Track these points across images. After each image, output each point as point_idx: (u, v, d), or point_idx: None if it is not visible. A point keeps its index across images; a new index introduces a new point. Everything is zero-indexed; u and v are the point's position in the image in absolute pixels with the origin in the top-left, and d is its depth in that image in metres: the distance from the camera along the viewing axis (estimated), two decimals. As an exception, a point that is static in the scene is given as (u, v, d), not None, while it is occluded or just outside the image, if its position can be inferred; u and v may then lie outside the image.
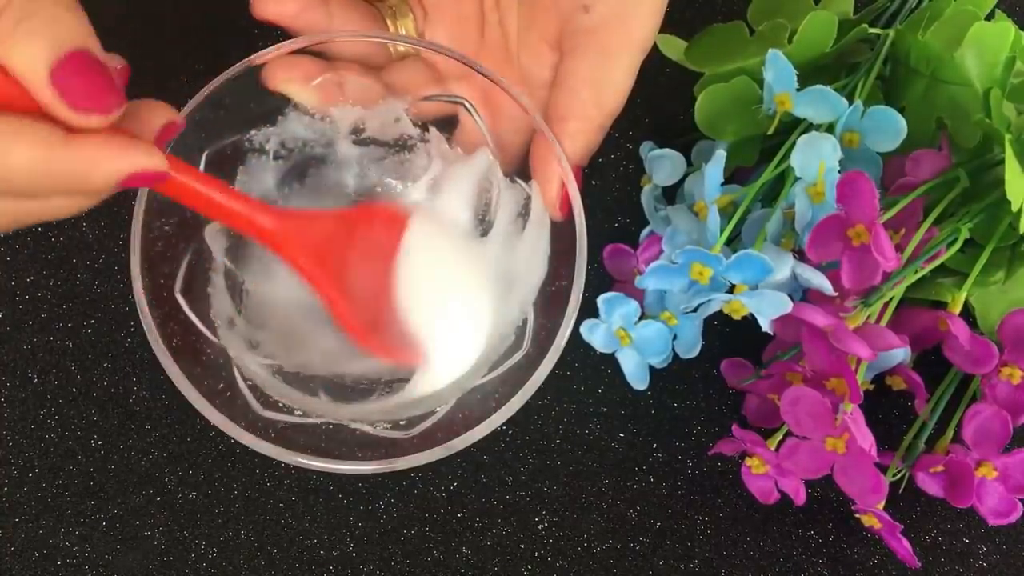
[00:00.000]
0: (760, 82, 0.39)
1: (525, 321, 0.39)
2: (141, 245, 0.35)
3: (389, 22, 0.41)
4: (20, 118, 0.26)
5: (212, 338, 0.37)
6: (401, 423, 0.37)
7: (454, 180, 0.41)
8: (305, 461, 0.34)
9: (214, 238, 0.38)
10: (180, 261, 0.37)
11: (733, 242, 0.40)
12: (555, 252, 0.38)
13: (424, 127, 0.41)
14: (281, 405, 0.37)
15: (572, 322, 0.36)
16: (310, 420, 0.37)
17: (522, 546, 0.42)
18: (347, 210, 0.41)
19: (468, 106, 0.39)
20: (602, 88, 0.37)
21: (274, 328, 0.40)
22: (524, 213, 0.40)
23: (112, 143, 0.28)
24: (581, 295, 0.36)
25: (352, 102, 0.39)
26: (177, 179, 0.32)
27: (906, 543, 0.39)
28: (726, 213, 0.39)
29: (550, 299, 0.38)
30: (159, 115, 0.30)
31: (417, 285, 0.40)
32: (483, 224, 0.41)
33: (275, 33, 0.39)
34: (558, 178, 0.37)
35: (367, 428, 0.37)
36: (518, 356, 0.38)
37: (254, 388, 0.37)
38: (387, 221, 0.40)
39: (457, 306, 0.40)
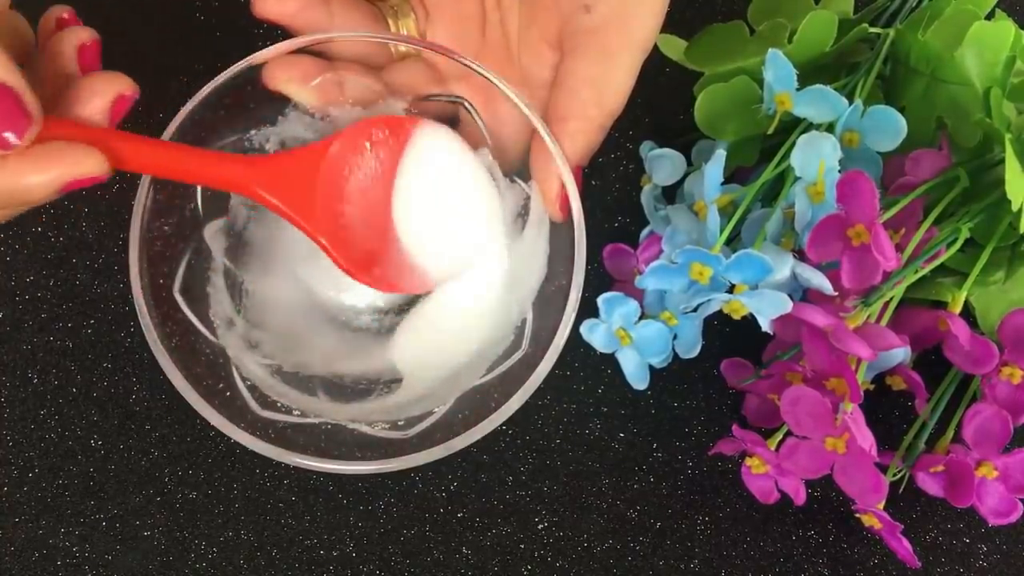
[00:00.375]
0: (760, 82, 0.39)
1: (524, 321, 0.39)
2: (140, 245, 0.35)
3: (391, 22, 0.41)
4: None
5: (211, 338, 0.37)
6: (400, 423, 0.37)
7: None
8: (304, 461, 0.34)
9: (214, 238, 0.38)
10: (179, 261, 0.37)
11: (733, 242, 0.40)
12: (554, 252, 0.38)
13: None
14: (280, 405, 0.37)
15: (571, 322, 0.36)
16: (308, 420, 0.37)
17: (522, 546, 0.42)
18: (335, 137, 0.38)
19: (468, 106, 0.39)
20: (603, 88, 0.37)
21: (273, 328, 0.40)
22: (523, 213, 0.40)
23: (44, 157, 0.29)
24: (580, 295, 0.36)
25: (352, 102, 0.39)
26: (131, 156, 0.31)
27: (906, 543, 0.39)
28: (726, 213, 0.39)
29: (549, 299, 0.38)
30: (111, 87, 0.31)
31: (417, 205, 0.39)
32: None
33: (275, 33, 0.39)
34: (558, 178, 0.37)
35: (365, 428, 0.37)
36: (517, 356, 0.38)
37: (252, 388, 0.37)
38: (382, 140, 0.38)
39: (461, 226, 0.39)
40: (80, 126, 0.30)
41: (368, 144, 0.38)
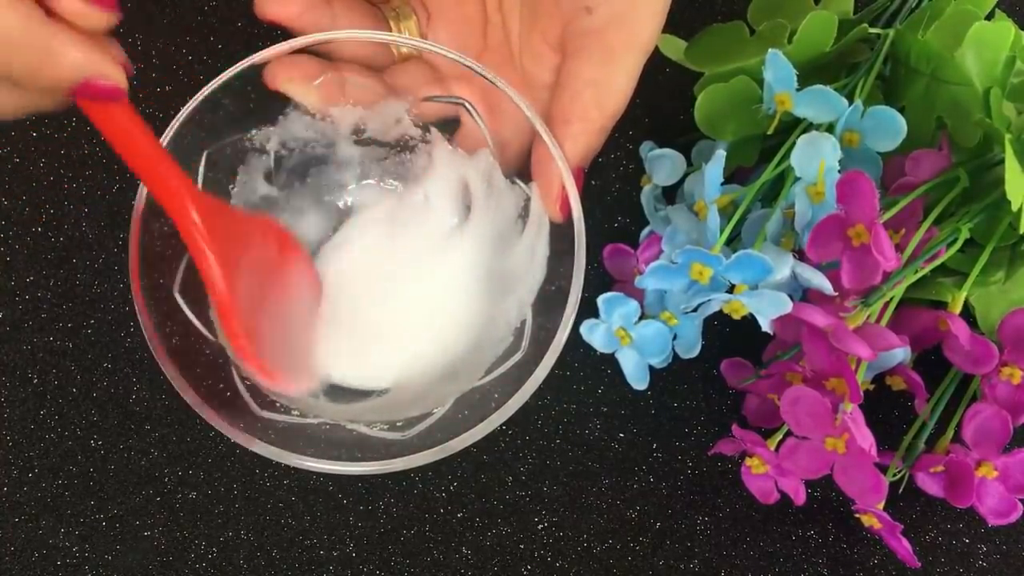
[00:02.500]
0: (760, 82, 0.39)
1: (524, 322, 0.39)
2: (140, 245, 0.35)
3: (392, 24, 0.41)
4: None
5: (211, 338, 0.37)
6: (399, 424, 0.37)
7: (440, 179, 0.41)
8: (303, 462, 0.34)
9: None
10: (179, 261, 0.37)
11: (733, 242, 0.40)
12: (554, 253, 0.38)
13: (425, 128, 0.41)
14: (279, 405, 0.37)
15: (571, 323, 0.36)
16: (308, 420, 0.37)
17: (522, 546, 0.42)
18: (254, 216, 0.39)
19: (469, 107, 0.39)
20: (604, 90, 0.37)
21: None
22: (523, 215, 0.40)
23: (87, 41, 0.28)
24: (580, 296, 0.36)
25: (353, 102, 0.39)
26: (123, 109, 0.31)
27: (906, 543, 0.39)
28: (726, 213, 0.39)
29: (549, 300, 0.38)
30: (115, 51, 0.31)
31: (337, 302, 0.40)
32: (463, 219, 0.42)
33: (276, 33, 0.39)
34: (558, 179, 0.37)
35: (364, 429, 0.37)
36: (517, 357, 0.38)
37: (252, 388, 0.37)
38: (282, 244, 0.39)
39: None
40: None
41: (260, 239, 0.38)
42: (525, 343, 0.38)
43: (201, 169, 0.37)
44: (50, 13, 0.28)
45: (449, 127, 0.41)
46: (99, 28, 0.29)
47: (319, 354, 0.40)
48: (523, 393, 0.35)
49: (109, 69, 0.29)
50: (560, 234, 0.37)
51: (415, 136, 0.41)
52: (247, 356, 0.36)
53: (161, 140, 0.35)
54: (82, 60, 0.28)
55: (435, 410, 0.38)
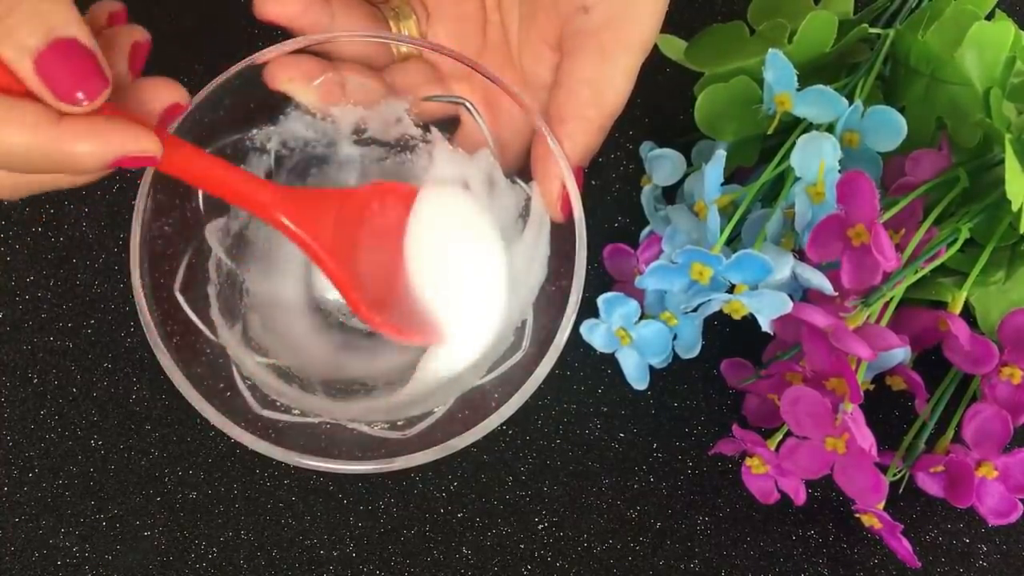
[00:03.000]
0: (760, 82, 0.39)
1: (524, 322, 0.39)
2: (141, 244, 0.35)
3: (392, 23, 0.41)
4: (13, 101, 0.27)
5: (211, 337, 0.37)
6: (399, 423, 0.37)
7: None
8: (304, 461, 0.34)
9: (214, 237, 0.38)
10: (180, 260, 0.37)
11: (733, 242, 0.40)
12: (555, 252, 0.38)
13: (426, 127, 0.41)
14: (279, 404, 0.37)
15: (571, 323, 0.35)
16: (308, 419, 0.37)
17: (522, 546, 0.42)
18: (352, 189, 0.40)
19: (469, 106, 0.39)
20: (602, 89, 0.37)
21: (273, 327, 0.40)
22: (524, 214, 0.40)
23: (101, 127, 0.29)
24: (580, 296, 0.36)
25: (353, 102, 0.39)
26: (174, 160, 0.32)
27: (906, 543, 0.39)
28: (726, 213, 0.39)
29: (549, 300, 0.38)
30: (165, 94, 0.31)
31: (428, 262, 0.39)
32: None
33: (276, 33, 0.39)
34: (558, 178, 0.37)
35: (365, 428, 0.37)
36: (517, 357, 0.38)
37: (253, 387, 0.37)
38: (395, 200, 0.40)
39: (471, 281, 0.40)
40: (135, 116, 0.31)
41: (377, 204, 0.39)
42: (526, 343, 0.38)
43: None
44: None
45: (449, 127, 0.41)
46: (96, 107, 0.28)
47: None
48: (523, 392, 0.35)
49: (132, 144, 0.29)
50: (561, 234, 0.37)
51: (415, 136, 0.41)
52: (382, 328, 0.38)
53: (205, 152, 0.35)
54: (99, 150, 0.29)
55: (435, 409, 0.38)
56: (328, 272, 0.37)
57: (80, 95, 0.28)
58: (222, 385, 0.36)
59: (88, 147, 0.28)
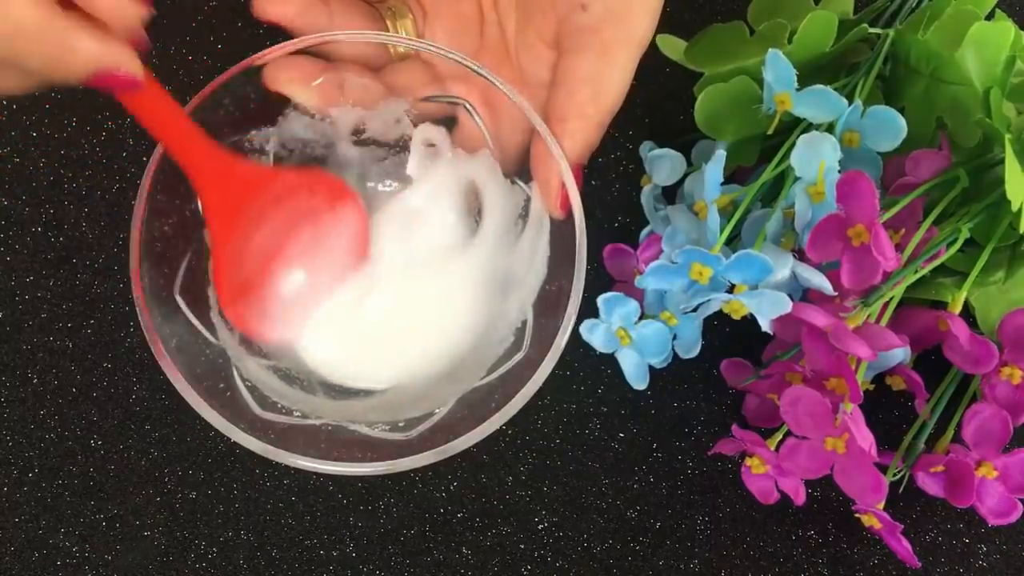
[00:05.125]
0: (760, 82, 0.39)
1: (524, 322, 0.39)
2: (140, 246, 0.35)
3: (389, 22, 0.41)
4: None
5: (211, 339, 0.37)
6: (400, 424, 0.37)
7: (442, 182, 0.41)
8: (305, 463, 0.34)
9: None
10: (180, 262, 0.37)
11: (733, 242, 0.40)
12: (554, 253, 0.38)
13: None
14: (280, 406, 0.37)
15: (572, 323, 0.36)
16: (309, 421, 0.37)
17: (522, 546, 0.42)
18: (291, 171, 0.40)
19: (469, 107, 0.39)
20: (600, 86, 0.37)
21: None
22: (523, 214, 0.40)
23: (102, 31, 0.28)
24: (581, 296, 0.36)
25: (352, 103, 0.39)
26: (145, 95, 0.32)
27: (906, 543, 0.39)
28: (726, 213, 0.39)
29: (549, 300, 0.38)
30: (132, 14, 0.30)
31: (304, 271, 0.39)
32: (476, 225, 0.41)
33: (276, 33, 0.39)
34: (557, 177, 0.37)
35: (366, 430, 0.37)
36: (518, 357, 0.38)
37: (253, 389, 0.37)
38: (321, 193, 0.39)
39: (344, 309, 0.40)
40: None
41: (305, 192, 0.39)
42: (526, 343, 0.38)
43: None
44: (66, 5, 0.27)
45: (447, 127, 0.41)
46: (133, 24, 0.28)
47: (318, 345, 0.40)
48: (524, 394, 0.35)
49: (125, 60, 0.29)
50: (560, 233, 0.37)
51: (415, 137, 0.41)
52: (231, 318, 0.38)
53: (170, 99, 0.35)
54: (97, 53, 0.28)
55: (436, 410, 0.38)
56: (214, 246, 0.37)
57: None
58: (222, 387, 0.36)
59: (89, 46, 0.28)
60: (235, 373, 0.37)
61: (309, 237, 0.39)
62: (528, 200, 0.39)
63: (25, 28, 0.27)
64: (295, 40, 0.37)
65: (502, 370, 0.38)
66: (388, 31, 0.40)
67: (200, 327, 0.37)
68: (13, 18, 0.26)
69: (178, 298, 0.36)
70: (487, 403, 0.36)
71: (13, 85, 0.29)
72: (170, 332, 0.35)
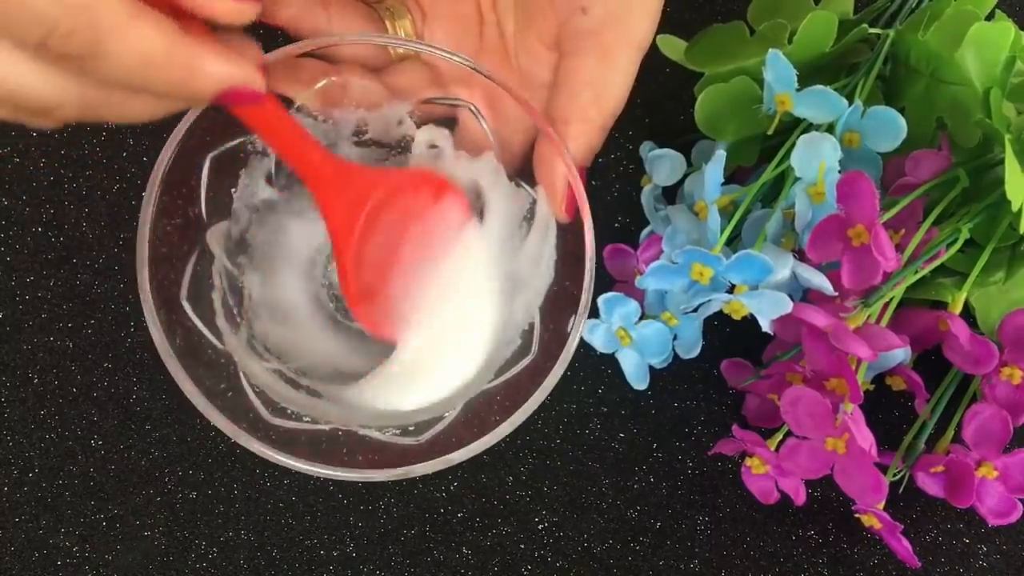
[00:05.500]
0: (760, 82, 0.39)
1: (532, 325, 0.39)
2: (148, 255, 0.35)
3: (387, 22, 0.40)
4: (149, 5, 0.27)
5: (219, 345, 0.37)
6: (410, 428, 0.37)
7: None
8: (317, 470, 0.34)
9: (216, 242, 0.38)
10: (185, 268, 0.37)
11: (733, 242, 0.40)
12: (560, 255, 0.38)
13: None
14: (290, 412, 0.37)
15: (582, 327, 0.36)
16: (319, 427, 0.37)
17: (522, 546, 0.42)
18: (398, 170, 0.41)
19: (473, 110, 0.39)
20: (602, 89, 0.37)
21: (277, 330, 0.40)
22: (528, 217, 0.40)
23: (227, 51, 0.29)
24: (590, 300, 0.36)
25: (355, 105, 0.39)
26: (265, 108, 0.32)
27: (906, 543, 0.39)
28: (726, 213, 0.39)
29: (555, 302, 0.38)
30: (253, 52, 0.31)
31: (430, 276, 0.40)
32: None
33: (277, 34, 0.39)
34: (563, 179, 0.37)
35: (376, 434, 0.37)
36: (526, 360, 0.38)
37: (262, 395, 0.37)
38: (427, 190, 0.40)
39: (457, 317, 0.40)
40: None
41: (411, 190, 0.39)
42: (534, 346, 0.38)
43: (205, 174, 0.37)
44: (185, 25, 0.28)
45: (448, 127, 0.41)
46: (243, 23, 0.28)
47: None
48: (536, 398, 0.35)
49: (249, 77, 0.29)
50: (565, 235, 0.37)
51: (418, 139, 0.41)
52: (360, 319, 0.39)
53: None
54: (222, 73, 0.28)
55: (446, 414, 0.38)
56: (338, 249, 0.37)
57: None
58: (231, 394, 0.36)
59: (215, 66, 0.28)
60: (244, 381, 0.37)
61: (420, 234, 0.39)
62: (534, 203, 0.39)
63: (153, 58, 0.27)
64: (298, 44, 0.37)
65: (511, 373, 0.38)
66: (387, 31, 0.40)
67: (207, 334, 0.37)
68: (140, 50, 0.26)
69: (185, 305, 0.36)
70: (495, 406, 0.36)
71: (146, 111, 0.30)
72: (179, 341, 0.35)
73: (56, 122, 0.28)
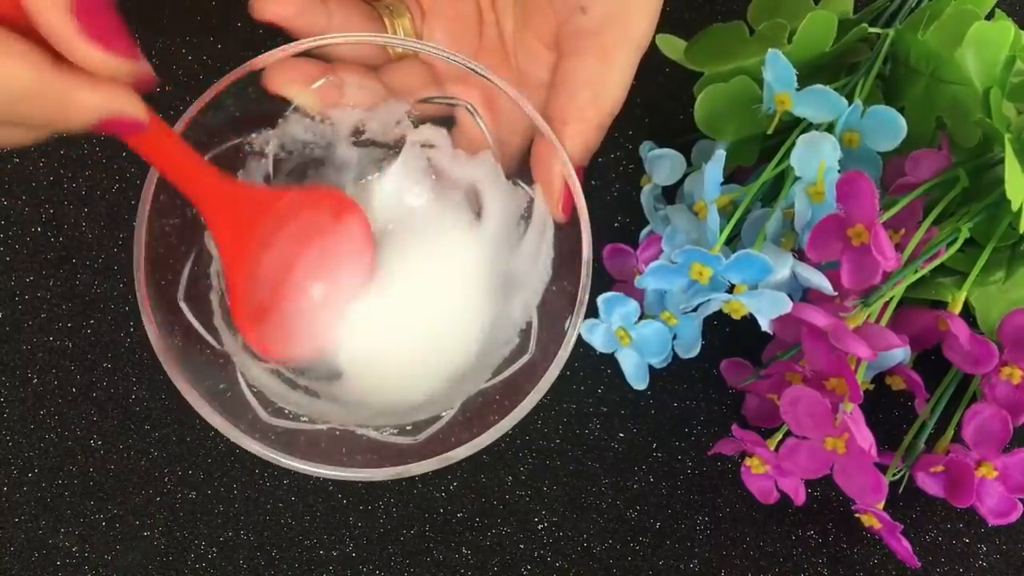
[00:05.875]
0: (760, 82, 0.39)
1: (529, 324, 0.39)
2: (145, 255, 0.35)
3: (387, 20, 0.40)
4: (16, 36, 0.26)
5: (216, 345, 0.37)
6: (408, 428, 0.37)
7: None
8: (315, 470, 0.34)
9: (214, 243, 0.38)
10: (182, 269, 0.37)
11: (733, 242, 0.40)
12: (557, 254, 0.38)
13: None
14: (287, 412, 0.37)
15: (579, 327, 0.36)
16: (317, 426, 0.37)
17: (522, 546, 0.42)
18: (293, 190, 0.40)
19: (471, 109, 0.39)
20: (601, 89, 0.37)
21: None
22: (526, 216, 0.40)
23: (100, 81, 0.28)
24: (587, 299, 0.36)
25: (353, 104, 0.39)
26: (150, 134, 0.31)
27: (906, 543, 0.39)
28: (726, 213, 0.39)
29: (553, 301, 0.38)
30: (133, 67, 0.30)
31: (334, 291, 0.39)
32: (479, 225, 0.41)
33: (275, 33, 0.39)
34: (560, 179, 0.37)
35: (373, 434, 0.37)
36: (524, 359, 0.38)
37: (259, 395, 0.37)
38: (327, 208, 0.39)
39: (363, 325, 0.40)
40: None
41: (308, 209, 0.39)
42: (532, 345, 0.38)
43: None
44: (61, 58, 0.27)
45: (446, 126, 0.41)
46: (120, 76, 0.28)
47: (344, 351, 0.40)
48: (537, 392, 0.35)
49: (127, 106, 0.29)
50: (564, 234, 0.37)
51: (417, 138, 0.41)
52: (250, 340, 0.38)
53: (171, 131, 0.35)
54: (97, 104, 0.28)
55: (443, 413, 0.38)
56: (227, 272, 0.37)
57: (105, 48, 0.27)
58: (230, 394, 0.36)
59: (89, 96, 0.28)
60: (241, 380, 0.37)
61: (318, 253, 0.39)
62: (531, 202, 0.39)
63: (21, 93, 0.26)
64: (295, 43, 0.37)
65: (508, 372, 0.38)
66: (386, 29, 0.40)
67: (205, 333, 0.37)
68: (8, 86, 0.26)
69: (182, 305, 0.36)
70: (493, 405, 0.36)
71: (18, 139, 0.29)
72: (177, 341, 0.35)
73: None
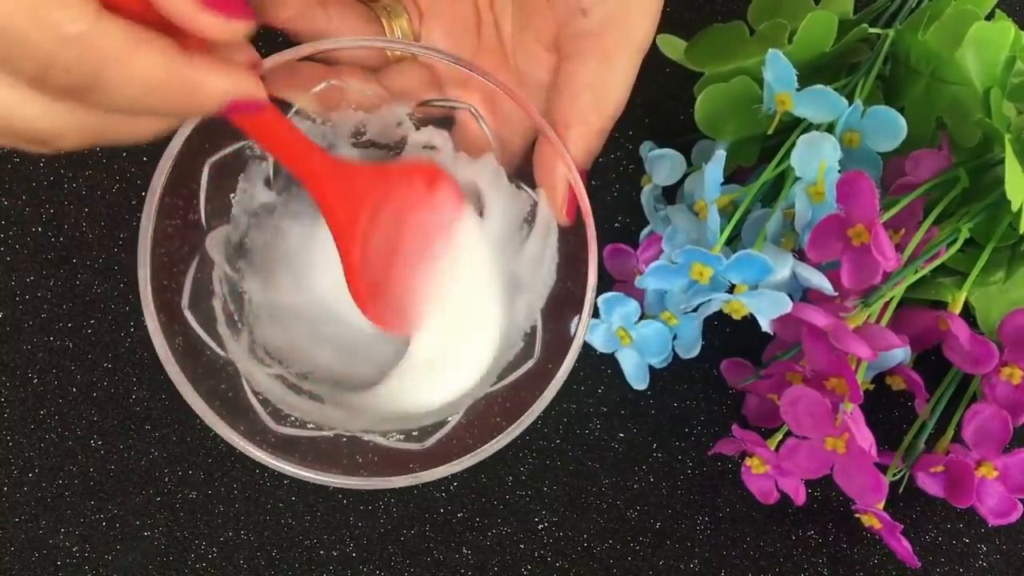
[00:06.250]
0: (760, 82, 0.39)
1: (534, 328, 0.39)
2: (151, 263, 0.35)
3: (384, 21, 0.40)
4: (146, 28, 0.26)
5: (221, 353, 0.37)
6: (414, 433, 0.37)
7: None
8: (321, 478, 0.34)
9: (216, 248, 0.38)
10: (185, 276, 0.37)
11: (733, 242, 0.40)
12: (561, 257, 0.38)
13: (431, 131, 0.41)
14: (293, 419, 0.37)
15: (585, 330, 0.36)
16: (323, 433, 0.37)
17: (522, 546, 0.42)
18: (392, 166, 0.40)
19: (473, 111, 0.39)
20: (602, 92, 0.37)
21: (277, 334, 0.40)
22: (529, 219, 0.40)
23: (226, 65, 0.28)
24: (592, 303, 0.36)
25: (354, 107, 0.39)
26: (264, 115, 0.32)
27: (906, 543, 0.39)
28: (726, 213, 0.39)
29: (557, 304, 0.38)
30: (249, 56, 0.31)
31: (434, 268, 0.39)
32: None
33: (274, 35, 0.39)
34: (564, 182, 0.37)
35: (380, 440, 0.37)
36: (529, 364, 0.38)
37: (265, 402, 0.37)
38: (422, 181, 0.39)
39: (467, 310, 0.40)
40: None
41: (407, 182, 0.39)
42: (537, 349, 0.38)
43: (204, 179, 0.37)
44: (182, 40, 0.27)
45: (446, 128, 0.41)
46: (235, 40, 0.28)
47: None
48: (546, 397, 0.35)
49: (252, 88, 0.29)
50: (566, 237, 0.37)
51: (419, 141, 0.41)
52: (370, 316, 0.38)
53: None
54: (224, 88, 0.28)
55: (450, 419, 0.38)
56: (342, 253, 0.37)
57: (225, 14, 0.27)
58: (235, 402, 0.36)
59: (218, 81, 0.28)
60: (246, 387, 0.37)
61: (418, 225, 0.39)
62: (534, 205, 0.39)
63: (155, 84, 0.26)
64: (295, 49, 0.37)
65: (514, 376, 0.38)
66: (384, 31, 0.40)
67: (209, 341, 0.37)
68: (141, 78, 0.26)
69: (187, 314, 0.36)
70: (497, 409, 0.36)
71: (149, 131, 0.29)
72: (180, 347, 0.35)
73: (57, 150, 0.28)
